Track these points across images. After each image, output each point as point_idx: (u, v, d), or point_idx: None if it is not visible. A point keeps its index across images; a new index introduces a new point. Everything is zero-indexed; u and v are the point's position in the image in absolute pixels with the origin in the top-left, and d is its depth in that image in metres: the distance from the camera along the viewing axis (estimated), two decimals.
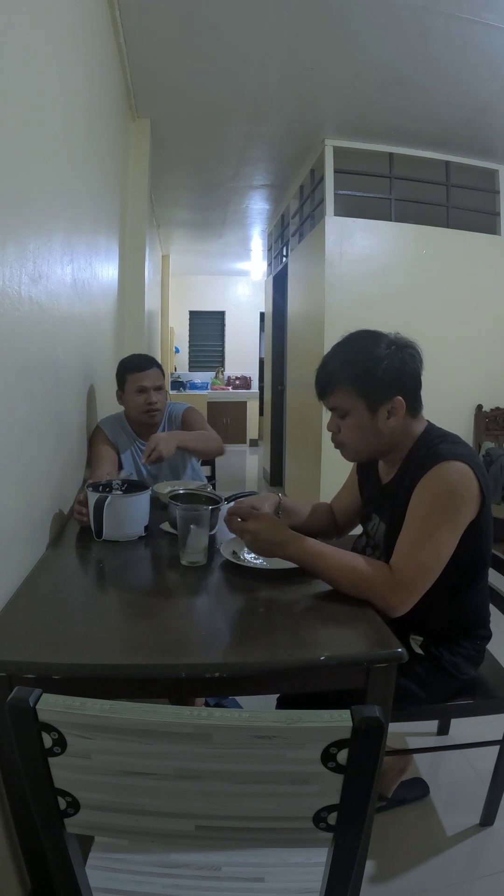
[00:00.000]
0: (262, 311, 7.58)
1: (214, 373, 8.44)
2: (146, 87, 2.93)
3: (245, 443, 8.22)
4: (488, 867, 1.32)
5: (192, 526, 1.21)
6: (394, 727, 1.52)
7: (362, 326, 1.26)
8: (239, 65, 2.70)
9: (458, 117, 3.11)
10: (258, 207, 5.08)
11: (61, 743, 0.56)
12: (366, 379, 1.16)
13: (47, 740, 0.56)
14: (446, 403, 3.42)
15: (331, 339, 1.32)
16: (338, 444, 1.26)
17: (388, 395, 1.17)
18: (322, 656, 0.87)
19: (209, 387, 8.09)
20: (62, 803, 0.60)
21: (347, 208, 3.53)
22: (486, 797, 1.43)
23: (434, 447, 1.15)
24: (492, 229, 3.70)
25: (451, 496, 1.09)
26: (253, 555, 1.24)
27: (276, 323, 5.25)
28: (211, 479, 2.41)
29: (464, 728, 1.72)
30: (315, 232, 3.67)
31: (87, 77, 1.81)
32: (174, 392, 7.41)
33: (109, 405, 2.31)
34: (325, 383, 1.22)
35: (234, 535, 1.23)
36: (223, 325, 8.72)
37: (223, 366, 8.67)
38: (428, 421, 1.26)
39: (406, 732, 1.76)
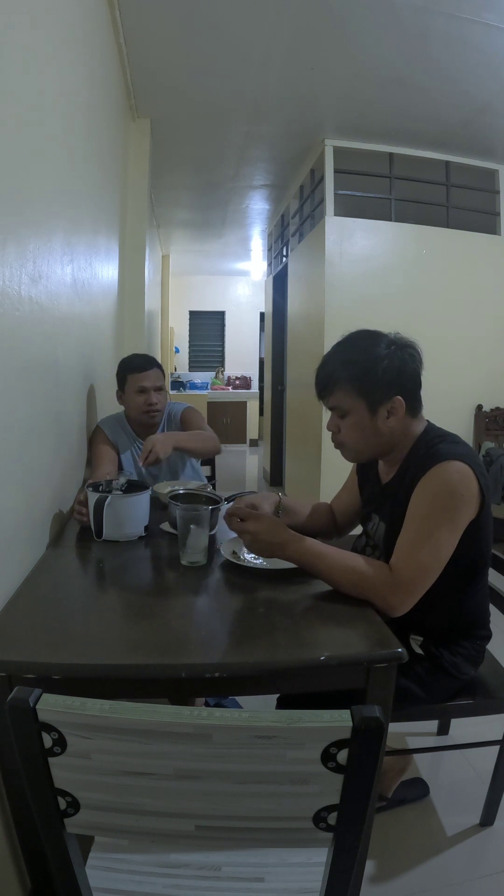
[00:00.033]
0: (262, 311, 7.58)
1: (214, 373, 8.44)
2: (146, 87, 2.93)
3: (245, 443, 8.21)
4: (488, 867, 1.32)
5: (192, 526, 1.21)
6: (394, 727, 1.52)
7: (362, 326, 1.26)
8: (239, 65, 2.70)
9: (458, 117, 3.11)
10: (258, 207, 5.07)
11: (61, 743, 0.56)
12: (366, 379, 1.16)
13: (47, 740, 0.56)
14: (446, 403, 3.42)
15: (331, 339, 1.32)
16: (338, 444, 1.26)
17: (388, 395, 1.17)
18: (322, 656, 0.87)
19: (209, 387, 8.08)
20: (62, 803, 0.60)
21: (347, 208, 3.53)
22: (486, 797, 1.43)
23: (434, 447, 1.15)
24: (492, 229, 3.70)
25: (451, 496, 1.09)
26: (253, 555, 1.24)
27: (276, 323, 5.25)
28: (211, 478, 2.41)
29: (464, 728, 1.72)
30: (315, 232, 3.67)
31: (87, 77, 1.81)
32: (174, 392, 7.41)
33: (109, 405, 2.30)
34: (325, 383, 1.22)
35: (234, 535, 1.23)
36: (223, 325, 8.71)
37: (223, 366, 8.67)
38: (428, 421, 1.26)
39: (406, 732, 1.76)
